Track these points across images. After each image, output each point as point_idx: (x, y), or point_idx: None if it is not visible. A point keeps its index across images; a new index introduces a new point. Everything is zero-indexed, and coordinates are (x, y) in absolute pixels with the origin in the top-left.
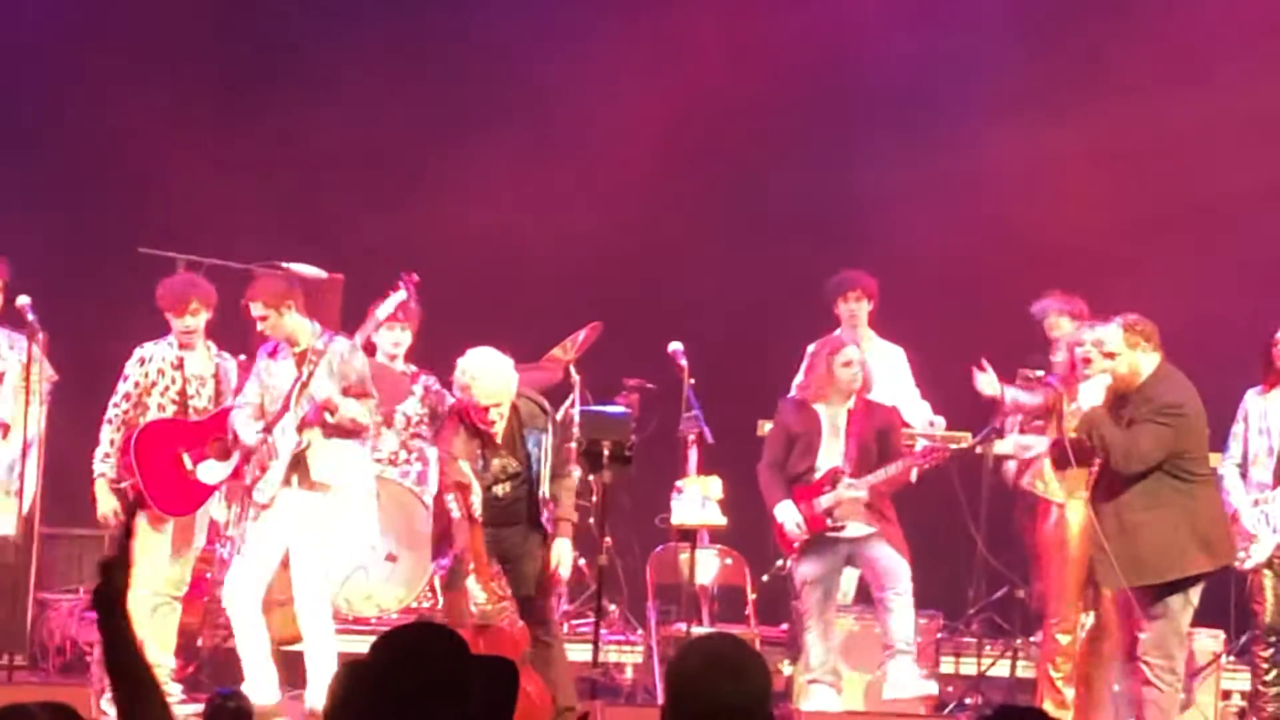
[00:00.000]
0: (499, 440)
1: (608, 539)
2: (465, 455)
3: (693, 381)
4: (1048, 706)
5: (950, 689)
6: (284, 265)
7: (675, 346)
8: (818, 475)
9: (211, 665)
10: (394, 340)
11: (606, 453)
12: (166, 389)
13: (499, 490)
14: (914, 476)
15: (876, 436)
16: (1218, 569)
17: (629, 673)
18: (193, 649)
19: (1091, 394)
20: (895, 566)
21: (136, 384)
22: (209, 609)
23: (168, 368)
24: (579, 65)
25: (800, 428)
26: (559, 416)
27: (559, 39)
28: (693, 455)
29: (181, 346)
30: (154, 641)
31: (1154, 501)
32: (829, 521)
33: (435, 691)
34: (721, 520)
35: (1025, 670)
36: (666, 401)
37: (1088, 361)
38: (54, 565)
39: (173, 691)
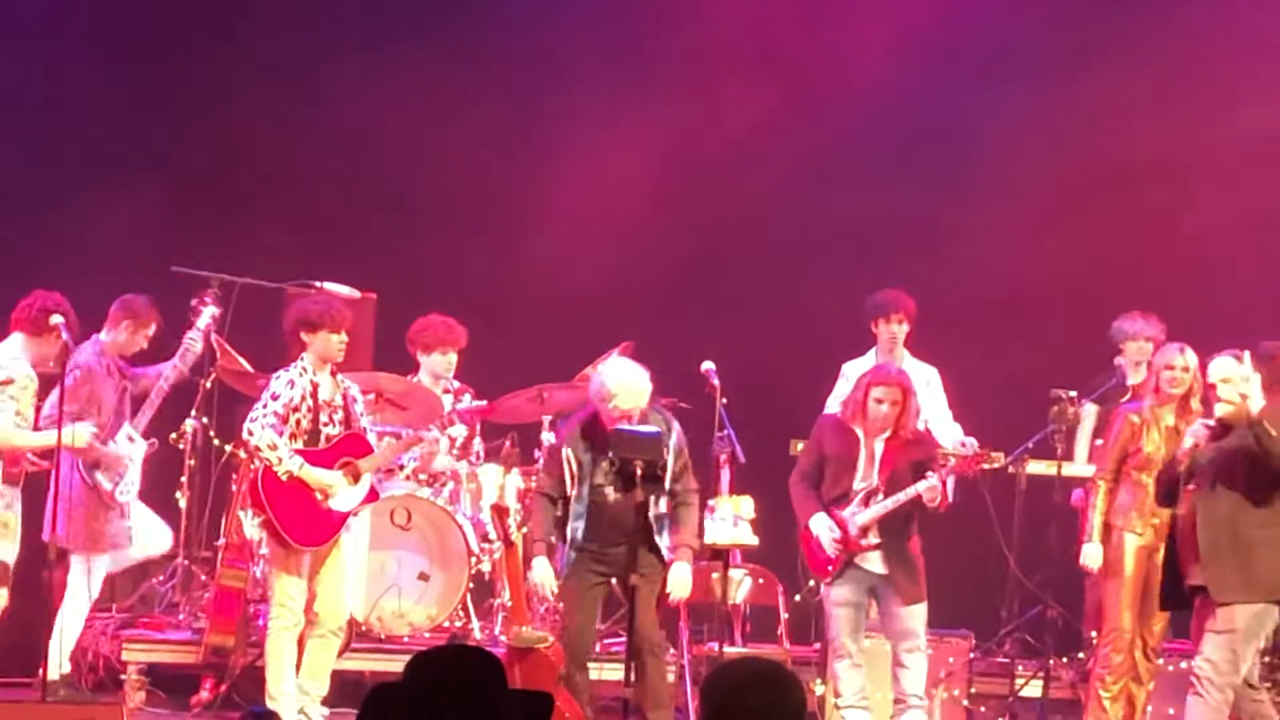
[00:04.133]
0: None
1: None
2: (577, 455)
3: (725, 401)
4: None
5: (983, 709)
6: (318, 285)
7: (708, 366)
8: (852, 497)
9: (243, 683)
10: (446, 364)
11: (639, 472)
12: (299, 420)
13: (610, 493)
14: (949, 491)
15: (912, 467)
16: None
17: None
18: (225, 667)
19: (1194, 431)
20: (911, 624)
21: (285, 405)
22: (241, 627)
23: (306, 394)
24: (613, 79)
25: (836, 449)
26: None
27: (593, 52)
28: (725, 475)
29: (319, 369)
30: (307, 670)
31: (1272, 520)
32: (864, 541)
33: (469, 714)
34: (754, 540)
35: (1059, 691)
36: (699, 421)
37: (1175, 383)
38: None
39: (314, 714)
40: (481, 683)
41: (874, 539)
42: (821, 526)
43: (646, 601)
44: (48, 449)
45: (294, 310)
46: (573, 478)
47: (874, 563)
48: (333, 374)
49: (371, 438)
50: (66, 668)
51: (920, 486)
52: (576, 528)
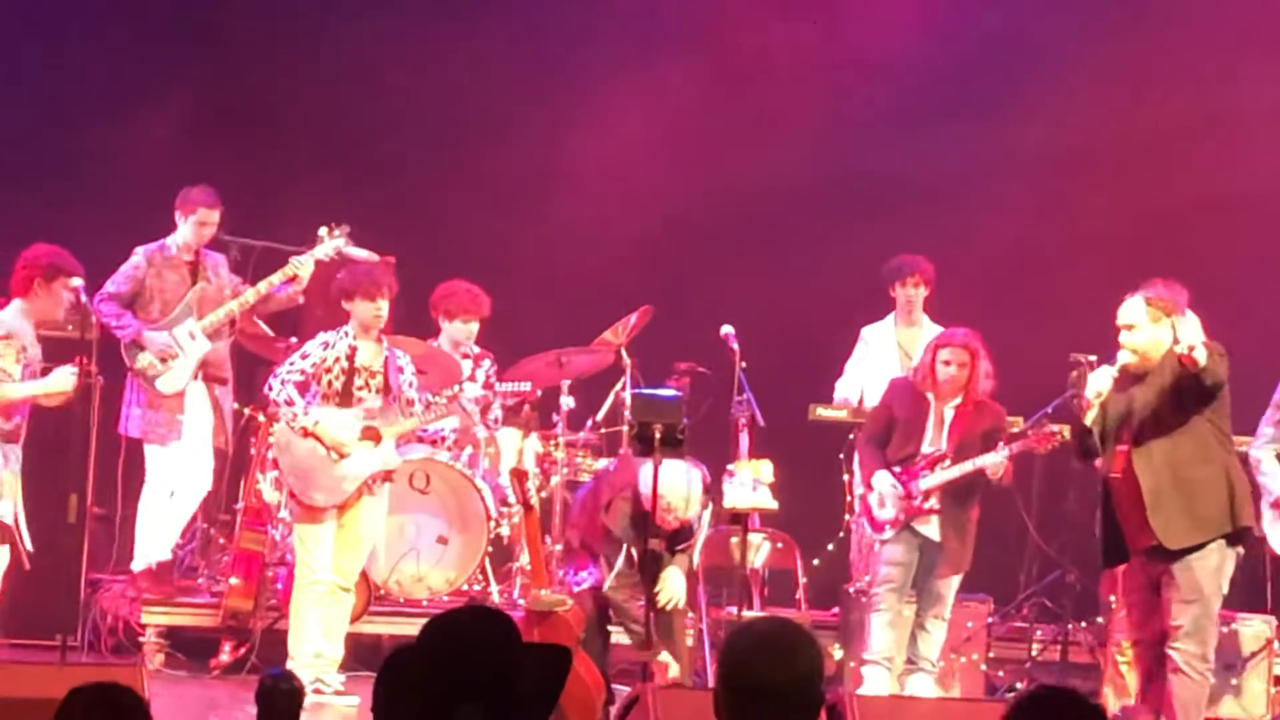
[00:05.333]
0: None
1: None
2: (621, 531)
3: (744, 365)
4: (1108, 692)
5: (1001, 674)
6: (336, 247)
7: (727, 330)
8: (919, 461)
9: (263, 646)
10: (467, 333)
11: (658, 436)
12: (331, 382)
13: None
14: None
15: (981, 436)
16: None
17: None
18: (244, 630)
19: (1099, 380)
20: (945, 593)
21: (314, 365)
22: (260, 591)
23: (342, 357)
24: (633, 42)
25: (906, 413)
26: (610, 401)
27: (616, 14)
28: (744, 439)
29: (362, 335)
30: (321, 631)
31: (1207, 456)
32: (927, 505)
33: (484, 674)
34: (773, 504)
35: (1077, 655)
36: (718, 385)
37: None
38: (105, 547)
39: (332, 682)
40: (497, 643)
41: (934, 504)
42: (885, 483)
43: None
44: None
45: (338, 278)
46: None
47: (931, 528)
48: (378, 340)
49: (417, 408)
50: (165, 555)
51: (986, 459)
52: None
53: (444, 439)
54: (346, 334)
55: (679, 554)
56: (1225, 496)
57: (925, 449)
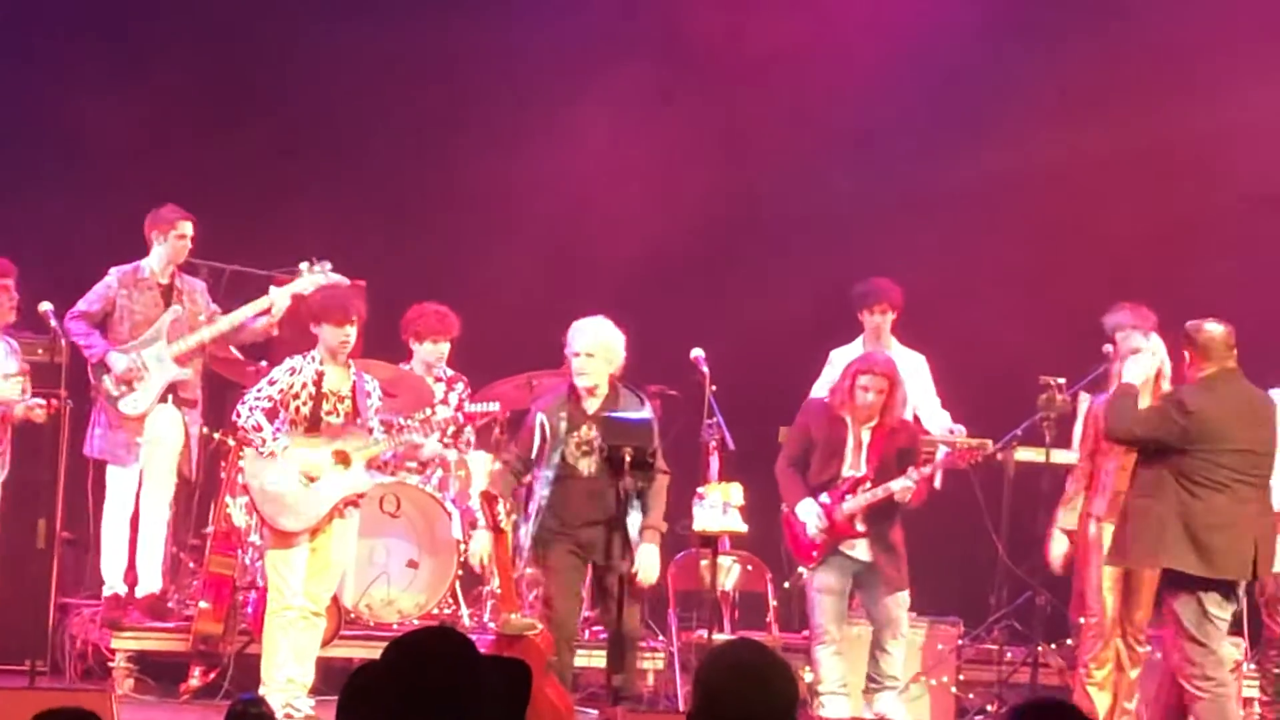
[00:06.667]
0: (589, 413)
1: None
2: (552, 422)
3: (714, 388)
4: None
5: (971, 696)
6: (306, 271)
7: (697, 353)
8: (840, 485)
9: (233, 670)
10: (438, 354)
11: (628, 459)
12: (299, 408)
13: (583, 467)
14: (938, 482)
15: (898, 455)
16: (1220, 579)
17: (650, 679)
18: (214, 655)
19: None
20: (897, 613)
21: (280, 391)
22: (230, 615)
23: (309, 382)
24: (598, 72)
25: (825, 435)
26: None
27: (587, 49)
28: (714, 462)
29: (330, 359)
30: (293, 656)
31: (1153, 492)
32: (855, 527)
33: (446, 693)
34: (743, 527)
35: (1047, 677)
36: (688, 408)
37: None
38: (75, 571)
39: (302, 707)
40: (458, 660)
41: (859, 526)
42: (809, 513)
43: (628, 592)
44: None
45: (307, 301)
46: (543, 444)
47: (859, 550)
48: (345, 365)
49: (378, 434)
50: (156, 586)
51: (894, 485)
52: (544, 495)
53: (387, 464)
54: (313, 359)
55: (647, 529)
56: (1155, 534)
57: (846, 472)
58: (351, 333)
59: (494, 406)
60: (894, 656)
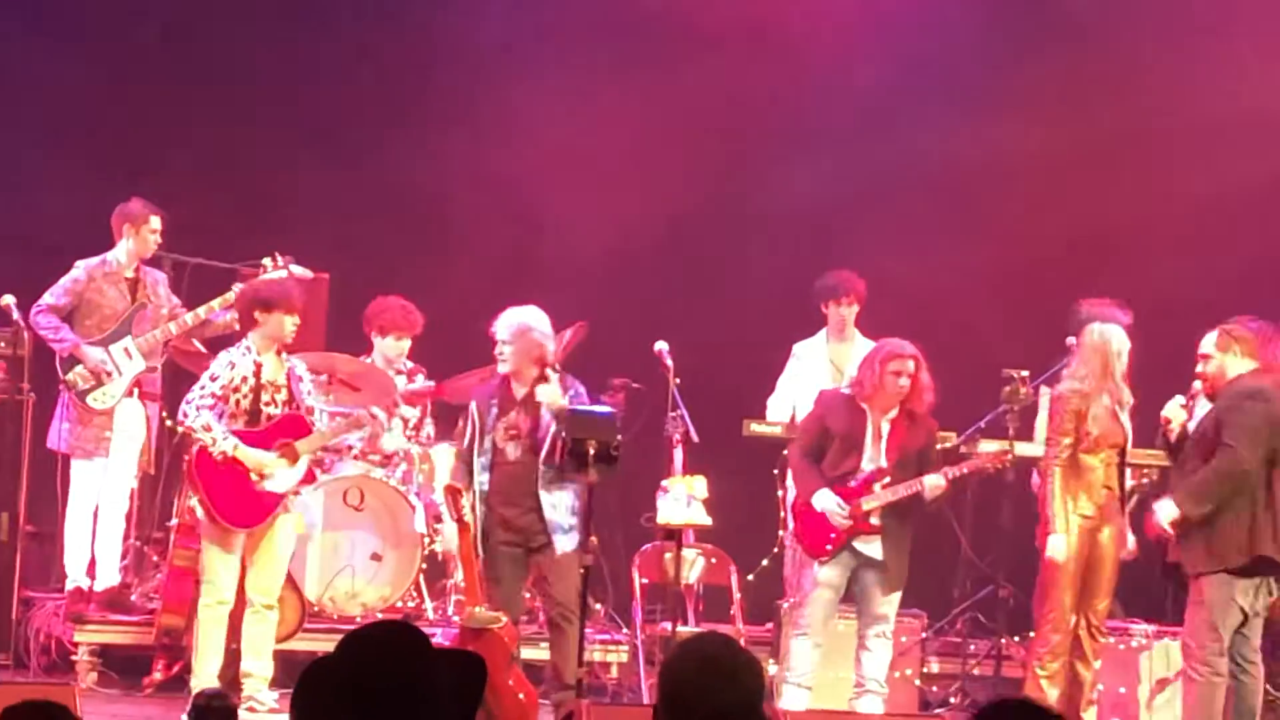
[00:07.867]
0: (517, 398)
1: (593, 538)
2: (480, 409)
3: (678, 381)
4: None
5: (935, 689)
6: (271, 264)
7: (661, 346)
8: (859, 477)
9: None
10: (399, 350)
11: (592, 452)
12: (239, 401)
13: (509, 450)
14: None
15: (917, 454)
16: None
17: (614, 672)
18: (178, 648)
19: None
20: (889, 611)
21: (223, 387)
22: (193, 608)
23: (249, 375)
24: (565, 70)
25: (844, 427)
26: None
27: (547, 42)
28: (678, 455)
29: (265, 349)
30: (247, 649)
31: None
32: (871, 522)
33: (400, 687)
34: (707, 520)
35: (1010, 669)
36: (652, 401)
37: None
38: (39, 564)
39: (265, 700)
40: (411, 653)
41: (876, 521)
42: (830, 503)
43: (561, 570)
44: None
45: (249, 289)
46: (475, 432)
47: (874, 547)
48: (278, 354)
49: (319, 418)
50: (114, 579)
51: (927, 483)
52: (482, 480)
53: (350, 448)
54: (249, 350)
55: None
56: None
57: (865, 465)
58: (297, 321)
59: (429, 384)
60: (878, 656)
